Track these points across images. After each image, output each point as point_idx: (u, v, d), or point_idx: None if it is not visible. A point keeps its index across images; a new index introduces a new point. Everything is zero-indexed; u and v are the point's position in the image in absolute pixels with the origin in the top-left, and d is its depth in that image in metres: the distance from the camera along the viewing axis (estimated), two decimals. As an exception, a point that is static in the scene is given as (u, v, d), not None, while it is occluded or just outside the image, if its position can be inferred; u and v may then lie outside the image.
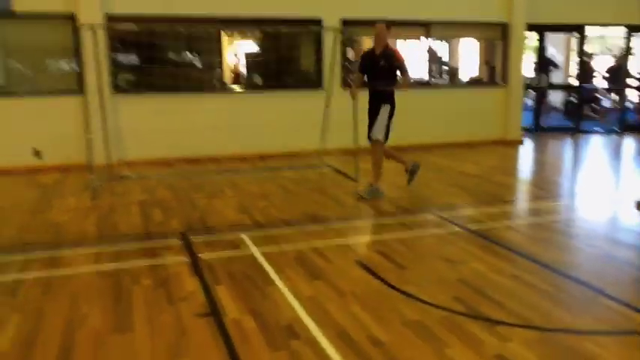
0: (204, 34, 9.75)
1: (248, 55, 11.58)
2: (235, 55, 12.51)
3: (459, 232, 5.70)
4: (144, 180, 8.22)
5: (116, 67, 9.37)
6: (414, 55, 12.31)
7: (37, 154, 9.05)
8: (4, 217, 6.39)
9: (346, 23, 10.06)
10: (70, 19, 8.79)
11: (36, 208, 6.78)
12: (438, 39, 12.34)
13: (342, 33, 9.45)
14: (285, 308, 3.93)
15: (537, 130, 13.22)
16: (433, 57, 12.01)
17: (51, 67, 9.36)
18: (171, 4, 9.20)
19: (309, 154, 9.47)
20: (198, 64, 10.13)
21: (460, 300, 4.02)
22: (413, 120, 10.85)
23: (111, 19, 8.95)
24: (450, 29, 11.61)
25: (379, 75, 6.82)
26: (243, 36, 12.16)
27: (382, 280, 4.44)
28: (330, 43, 8.95)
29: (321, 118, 8.68)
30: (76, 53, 8.90)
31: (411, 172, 7.45)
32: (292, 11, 9.84)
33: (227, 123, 9.72)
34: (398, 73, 6.88)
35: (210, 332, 3.59)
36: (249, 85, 10.87)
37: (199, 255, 4.99)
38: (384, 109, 6.90)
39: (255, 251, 5.08)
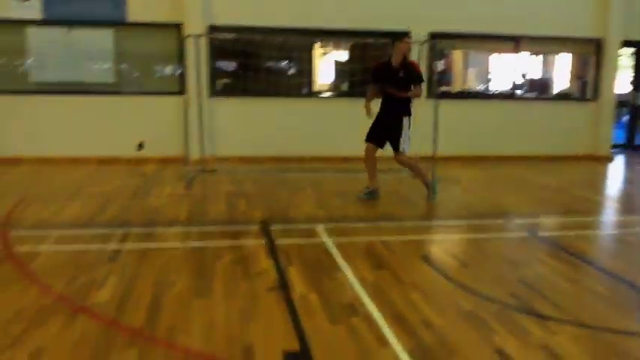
0: (297, 44, 10.30)
1: (337, 63, 12.05)
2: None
3: (528, 238, 5.81)
4: (232, 174, 8.85)
5: (215, 73, 10.11)
6: (503, 68, 12.31)
7: (140, 146, 9.93)
8: (109, 198, 7.17)
9: (435, 36, 10.30)
10: (177, 28, 9.64)
11: (136, 193, 7.54)
12: (528, 53, 12.26)
13: (431, 46, 9.68)
14: (348, 290, 4.28)
15: (630, 147, 12.78)
16: (522, 70, 11.94)
17: (157, 71, 10.26)
18: (268, 17, 9.84)
19: (385, 158, 9.74)
20: (290, 71, 10.71)
21: (516, 296, 4.20)
22: (497, 132, 10.92)
23: (213, 29, 9.71)
24: (541, 44, 11.55)
25: (398, 87, 6.94)
26: (335, 46, 12.65)
27: (443, 274, 4.68)
28: (417, 54, 9.20)
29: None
30: (180, 59, 9.73)
31: (369, 193, 7.36)
32: (382, 24, 10.21)
33: (313, 126, 10.21)
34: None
35: (278, 304, 4.00)
36: (336, 91, 11.33)
37: (276, 240, 5.44)
38: (407, 121, 7.06)
39: (328, 241, 5.47)
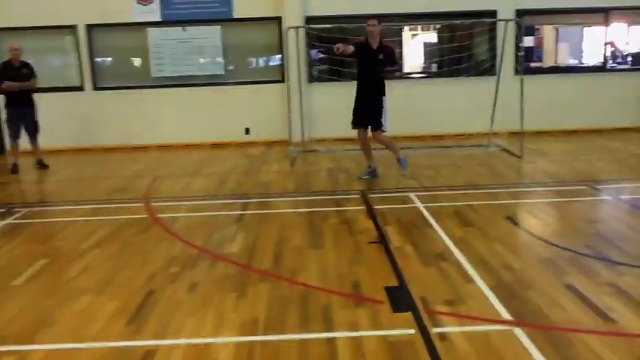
0: (387, 28, 10.89)
1: (426, 45, 12.54)
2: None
3: (607, 201, 6.23)
4: (331, 153, 9.68)
5: (311, 60, 10.95)
6: (594, 41, 12.29)
7: (247, 131, 11.00)
8: (226, 176, 8.20)
9: (521, 14, 10.58)
10: (277, 21, 10.56)
11: (248, 171, 8.56)
12: (620, 24, 12.15)
13: (517, 23, 9.98)
14: (438, 242, 4.97)
15: None
16: (611, 43, 11.88)
17: (260, 61, 11.26)
18: (359, 5, 10.51)
19: (478, 135, 10.22)
20: (380, 55, 11.32)
21: (590, 247, 4.71)
22: (589, 104, 11.03)
23: (309, 20, 10.54)
24: (631, 15, 11.45)
25: (377, 67, 7.28)
26: (423, 28, 13.11)
27: (525, 230, 5.25)
28: (505, 32, 9.54)
29: (491, 103, 9.40)
30: (280, 49, 10.65)
31: (370, 172, 7.70)
32: (468, 4, 10.61)
33: (405, 106, 10.75)
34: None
35: (378, 253, 4.76)
36: (425, 72, 11.85)
37: (374, 206, 6.20)
38: (384, 100, 7.41)
39: (420, 206, 6.16)
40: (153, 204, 6.74)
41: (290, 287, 4.16)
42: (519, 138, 8.66)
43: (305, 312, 3.71)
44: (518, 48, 10.15)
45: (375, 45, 7.33)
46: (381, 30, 7.44)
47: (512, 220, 5.56)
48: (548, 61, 12.97)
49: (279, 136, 10.65)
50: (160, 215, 6.24)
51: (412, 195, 6.62)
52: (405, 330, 3.40)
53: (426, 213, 5.88)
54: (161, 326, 3.60)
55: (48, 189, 8.17)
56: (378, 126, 7.45)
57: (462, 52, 10.84)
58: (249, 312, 3.75)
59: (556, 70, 12.25)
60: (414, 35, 13.48)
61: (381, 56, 7.31)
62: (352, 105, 10.52)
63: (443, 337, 3.30)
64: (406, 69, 11.62)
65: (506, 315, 3.55)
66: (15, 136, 9.04)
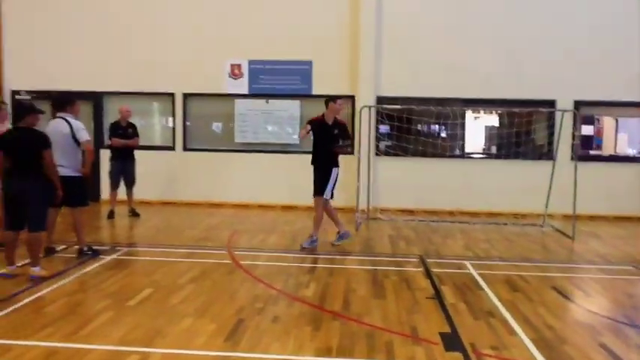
0: (451, 111, 11.83)
1: (487, 128, 13.35)
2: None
3: (652, 282, 6.70)
4: (393, 222, 10.45)
5: (378, 136, 11.93)
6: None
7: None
8: (296, 235, 9.07)
9: (579, 104, 11.32)
10: (350, 99, 11.69)
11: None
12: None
13: (574, 113, 10.71)
14: (488, 302, 5.63)
15: None
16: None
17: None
18: (426, 88, 11.53)
19: (533, 215, 10.78)
20: (443, 134, 12.24)
21: (626, 316, 5.26)
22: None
23: (379, 100, 11.61)
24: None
25: (331, 141, 7.98)
26: (486, 112, 13.96)
27: (568, 299, 5.83)
28: (561, 120, 10.26)
29: (547, 185, 10.03)
30: (352, 124, 11.70)
31: (340, 237, 8.30)
32: (528, 93, 11.46)
33: (464, 183, 11.55)
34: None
35: (434, 306, 5.46)
36: (486, 153, 12.61)
37: (431, 269, 6.90)
38: (334, 173, 8.11)
39: (473, 272, 6.82)
40: (235, 252, 7.66)
41: (358, 326, 4.90)
42: (572, 220, 9.20)
43: (371, 345, 4.45)
44: (574, 136, 10.82)
45: (330, 121, 8.12)
46: (339, 109, 8.24)
47: (557, 290, 6.14)
48: (607, 150, 13.47)
49: (345, 204, 11.55)
50: (242, 262, 7.14)
51: (467, 262, 7.30)
52: (455, 363, 4.09)
53: (478, 278, 6.54)
54: (252, 345, 4.41)
55: (142, 233, 9.23)
56: (319, 193, 8.15)
57: (520, 136, 11.61)
58: (323, 341, 4.52)
59: (614, 158, 12.72)
60: (477, 118, 14.34)
61: (335, 131, 8.07)
62: (415, 179, 11.35)
63: (487, 373, 3.97)
64: (467, 149, 12.40)
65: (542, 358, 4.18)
66: (115, 186, 10.29)
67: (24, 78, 12.18)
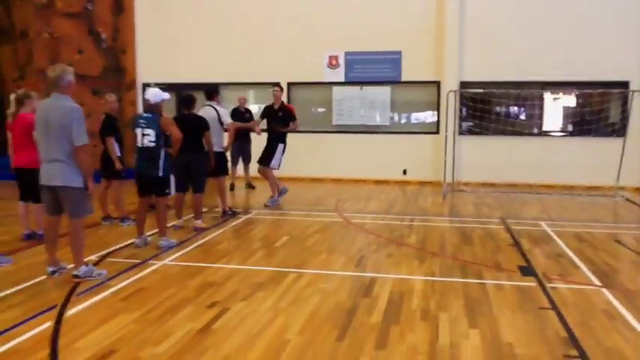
0: (530, 92, 12.94)
1: (565, 108, 14.30)
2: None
3: None
4: (475, 193, 11.79)
5: (462, 117, 13.22)
6: None
7: (404, 172, 13.45)
8: (392, 202, 10.62)
9: (653, 83, 12.16)
10: (436, 84, 13.05)
11: (409, 200, 10.95)
12: None
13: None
14: (557, 248, 6.98)
15: None
16: None
17: (419, 116, 13.74)
18: (507, 73, 12.70)
19: (605, 188, 11.80)
20: (522, 115, 13.36)
21: (675, 259, 6.48)
22: None
23: (463, 84, 12.90)
24: None
25: (276, 122, 9.81)
26: (564, 93, 14.89)
27: (625, 246, 7.08)
28: (630, 100, 11.23)
29: (617, 159, 11.05)
30: (438, 107, 13.08)
31: (274, 201, 10.06)
32: (603, 75, 12.39)
33: (541, 159, 12.67)
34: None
35: (513, 251, 6.87)
36: (563, 131, 13.61)
37: (511, 227, 8.27)
38: (280, 147, 9.85)
39: (547, 229, 8.13)
40: (345, 214, 9.31)
41: (453, 261, 6.41)
42: (641, 190, 10.24)
43: (464, 272, 5.96)
44: (648, 114, 11.72)
45: (276, 106, 9.96)
46: (278, 95, 10.06)
47: (619, 242, 7.38)
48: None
49: (430, 178, 13.00)
50: (352, 220, 8.78)
51: (542, 222, 8.61)
52: (530, 283, 5.54)
53: (551, 233, 7.86)
54: (375, 270, 6.03)
55: (262, 201, 11.00)
56: (266, 164, 9.93)
57: (594, 115, 12.57)
58: (428, 268, 6.08)
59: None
60: (556, 99, 15.28)
61: (280, 114, 9.90)
62: (495, 156, 12.69)
63: (554, 289, 5.38)
64: (545, 127, 13.43)
65: (597, 282, 5.55)
66: (235, 163, 12.17)
67: (153, 72, 14.31)
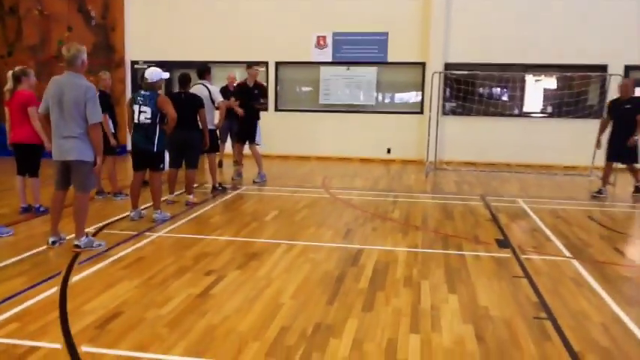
0: (512, 74, 13.30)
1: (545, 90, 14.69)
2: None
3: (673, 215, 8.23)
4: (457, 172, 12.18)
5: (446, 98, 13.55)
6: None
7: (388, 151, 13.79)
8: (377, 179, 10.98)
9: (630, 68, 12.57)
10: (422, 65, 13.35)
11: (393, 178, 11.31)
12: None
13: (625, 78, 11.99)
14: (533, 224, 7.38)
15: None
16: None
17: (404, 96, 14.05)
18: (491, 54, 13.03)
19: (581, 167, 12.25)
20: (504, 96, 13.74)
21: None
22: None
23: (447, 66, 13.21)
24: None
25: (253, 99, 10.10)
26: (546, 75, 15.28)
27: (597, 222, 7.51)
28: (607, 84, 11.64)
29: (593, 140, 11.47)
30: (422, 88, 13.39)
31: (262, 177, 10.45)
32: (583, 59, 12.77)
33: (520, 139, 13.09)
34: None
35: (492, 226, 7.25)
36: (543, 112, 14.02)
37: (490, 203, 8.66)
38: (259, 123, 10.33)
39: (524, 206, 8.54)
40: (332, 190, 9.63)
41: (435, 234, 6.79)
42: (615, 172, 10.65)
43: (446, 244, 6.33)
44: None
45: (251, 84, 10.23)
46: (255, 74, 10.36)
47: (592, 218, 7.82)
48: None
49: (414, 157, 13.36)
50: (338, 196, 9.11)
51: (519, 200, 9.02)
52: (505, 254, 5.93)
53: (528, 210, 8.27)
54: (361, 242, 6.38)
55: (251, 178, 11.31)
56: (252, 141, 10.29)
57: (573, 97, 12.98)
58: (411, 241, 6.44)
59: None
60: (537, 81, 15.67)
61: (255, 91, 10.22)
62: (477, 135, 13.07)
63: (528, 259, 5.77)
64: (525, 109, 13.82)
65: (568, 254, 5.96)
66: (224, 140, 12.39)
67: (142, 50, 14.42)
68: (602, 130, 9.89)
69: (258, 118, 10.45)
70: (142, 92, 7.02)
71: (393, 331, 4.01)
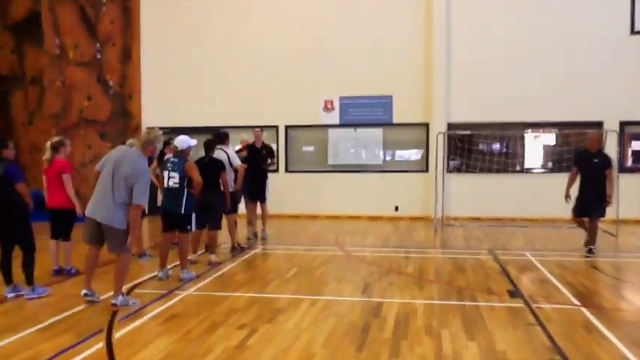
0: (512, 132, 13.90)
1: (545, 146, 15.28)
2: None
3: (675, 264, 8.59)
4: (464, 227, 12.59)
5: (450, 155, 14.11)
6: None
7: (396, 208, 14.25)
8: (388, 237, 11.37)
9: (625, 124, 13.19)
10: (425, 126, 14.01)
11: (403, 234, 11.72)
12: None
13: (620, 134, 12.58)
14: (542, 275, 7.75)
15: None
16: None
17: (409, 155, 14.63)
18: (491, 114, 13.69)
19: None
20: (506, 154, 14.30)
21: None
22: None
23: (450, 125, 13.84)
24: None
25: (262, 160, 10.86)
26: (544, 131, 15.92)
27: (602, 272, 7.88)
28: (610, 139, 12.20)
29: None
30: (427, 147, 13.98)
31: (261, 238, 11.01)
32: (579, 116, 13.41)
33: (523, 194, 13.55)
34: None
35: (502, 277, 7.62)
36: (543, 167, 14.54)
37: (498, 257, 9.04)
38: (267, 182, 11.04)
39: (532, 258, 8.91)
40: (345, 248, 10.03)
41: (449, 287, 7.15)
42: (617, 223, 11.09)
43: (460, 295, 6.69)
44: (618, 152, 12.69)
45: (258, 145, 11.02)
46: (258, 135, 11.12)
47: (596, 268, 8.18)
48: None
49: (421, 214, 13.81)
50: (352, 253, 9.50)
51: (527, 252, 9.41)
52: (518, 304, 6.28)
53: (536, 262, 8.64)
54: (381, 295, 6.74)
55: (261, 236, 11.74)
56: (263, 200, 10.95)
57: (571, 152, 13.49)
58: (428, 293, 6.81)
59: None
60: (536, 137, 16.29)
61: (264, 152, 11.02)
62: (481, 192, 13.50)
63: (540, 308, 6.13)
64: (527, 165, 14.35)
65: (577, 302, 6.32)
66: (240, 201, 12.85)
67: (157, 116, 15.10)
68: (571, 183, 9.61)
69: (266, 177, 11.08)
70: (172, 158, 7.55)
71: (421, 376, 4.35)
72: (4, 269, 6.70)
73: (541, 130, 14.42)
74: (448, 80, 13.92)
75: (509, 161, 14.22)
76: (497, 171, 13.88)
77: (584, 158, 9.52)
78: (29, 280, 6.67)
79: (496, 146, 14.37)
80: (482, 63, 13.91)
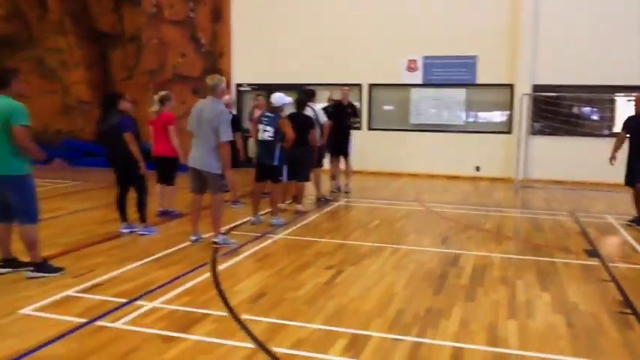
0: (599, 96, 13.56)
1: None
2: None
3: None
4: (544, 189, 12.58)
5: (534, 117, 13.98)
6: None
7: (477, 168, 14.36)
8: (467, 195, 11.60)
9: None
10: (510, 87, 13.90)
11: (483, 193, 11.90)
12: None
13: None
14: (621, 237, 7.83)
15: None
16: None
17: (492, 116, 14.61)
18: (579, 76, 13.38)
19: None
20: (593, 117, 14.00)
21: None
22: None
23: (536, 87, 13.67)
24: None
25: (347, 117, 11.13)
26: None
27: (687, 239, 7.85)
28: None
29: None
30: (511, 108, 13.92)
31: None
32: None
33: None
34: None
35: (581, 237, 7.78)
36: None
37: (581, 219, 9.13)
38: (350, 139, 11.31)
39: (613, 221, 8.94)
40: (425, 203, 10.40)
41: (527, 244, 7.42)
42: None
43: (537, 252, 6.96)
44: None
45: (345, 102, 11.28)
46: (346, 93, 11.45)
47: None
48: None
49: (501, 175, 13.86)
50: (432, 209, 9.86)
51: (608, 215, 9.43)
52: (594, 262, 6.50)
53: (617, 225, 8.67)
54: (459, 248, 7.12)
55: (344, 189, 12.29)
56: (346, 156, 11.35)
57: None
58: (505, 248, 7.13)
59: None
60: (629, 101, 15.74)
61: (349, 110, 11.30)
62: (565, 154, 13.34)
63: (615, 267, 6.32)
64: (616, 129, 13.93)
65: (654, 263, 6.47)
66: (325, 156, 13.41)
67: (246, 73, 15.80)
68: (617, 147, 9.28)
69: (350, 134, 11.44)
70: (267, 113, 8.13)
71: (494, 317, 4.76)
72: (121, 208, 7.60)
73: (632, 94, 13.93)
74: (535, 41, 13.64)
75: (596, 125, 13.92)
76: (583, 134, 13.63)
77: (633, 122, 8.92)
78: (143, 218, 7.54)
79: (583, 109, 14.08)
80: (569, 25, 13.51)
